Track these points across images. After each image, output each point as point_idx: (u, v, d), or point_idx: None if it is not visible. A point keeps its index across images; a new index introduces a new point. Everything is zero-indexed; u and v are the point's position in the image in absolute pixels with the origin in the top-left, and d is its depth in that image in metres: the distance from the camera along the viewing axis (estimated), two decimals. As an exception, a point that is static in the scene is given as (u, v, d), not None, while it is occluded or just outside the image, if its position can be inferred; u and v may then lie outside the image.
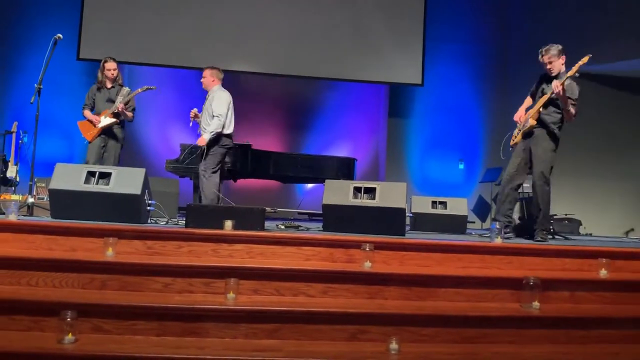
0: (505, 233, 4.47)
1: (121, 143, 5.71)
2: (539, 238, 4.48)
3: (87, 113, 5.64)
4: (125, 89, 5.68)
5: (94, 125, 5.55)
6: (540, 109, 4.58)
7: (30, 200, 4.53)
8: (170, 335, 2.82)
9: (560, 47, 4.57)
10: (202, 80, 5.56)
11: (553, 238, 4.95)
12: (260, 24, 8.98)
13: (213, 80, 5.52)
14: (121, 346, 2.64)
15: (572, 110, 4.50)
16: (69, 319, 2.58)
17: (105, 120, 5.55)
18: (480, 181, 9.28)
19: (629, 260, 3.80)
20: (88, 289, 3.08)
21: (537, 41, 9.27)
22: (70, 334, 2.59)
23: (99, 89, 5.68)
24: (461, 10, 9.79)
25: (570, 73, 4.40)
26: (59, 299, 2.88)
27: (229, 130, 5.45)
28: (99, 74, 5.68)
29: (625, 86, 8.68)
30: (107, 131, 5.59)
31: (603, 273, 3.59)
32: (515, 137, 4.77)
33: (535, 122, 4.59)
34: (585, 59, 4.35)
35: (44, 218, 4.14)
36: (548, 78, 4.66)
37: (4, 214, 3.89)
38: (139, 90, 5.67)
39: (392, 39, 9.31)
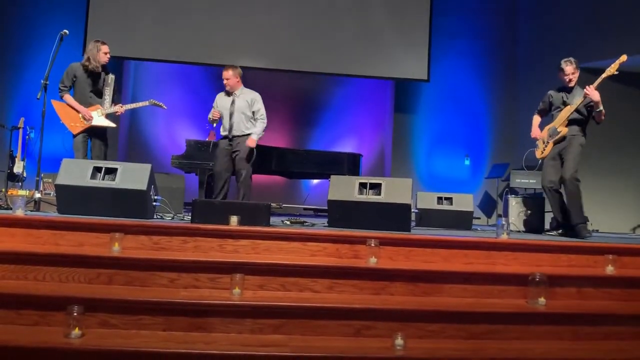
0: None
1: (107, 142, 5.22)
2: (586, 234, 4.67)
3: (71, 99, 5.04)
4: (110, 76, 5.17)
5: (84, 119, 5.02)
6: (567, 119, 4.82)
7: (37, 195, 4.54)
8: (177, 330, 2.84)
9: (576, 60, 4.90)
10: (226, 81, 5.46)
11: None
12: (266, 20, 8.96)
13: (238, 81, 5.51)
14: (128, 341, 2.66)
15: (603, 110, 4.70)
16: (75, 314, 2.59)
17: (100, 120, 5.04)
18: (487, 177, 9.25)
19: (636, 256, 3.78)
20: (94, 284, 3.10)
21: (546, 37, 9.27)
22: (77, 328, 2.60)
23: (87, 74, 5.08)
24: (468, 5, 9.73)
25: (605, 74, 4.63)
26: (65, 293, 2.89)
27: None
28: (91, 57, 5.07)
29: (633, 82, 8.63)
30: (92, 128, 5.07)
31: (610, 269, 3.57)
32: (544, 150, 5.00)
33: (567, 130, 4.83)
34: (622, 58, 4.57)
35: (51, 213, 4.16)
36: (566, 89, 4.92)
37: (11, 209, 3.91)
38: (146, 102, 5.36)
39: (398, 34, 9.27)
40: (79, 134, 5.05)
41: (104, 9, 8.63)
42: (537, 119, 5.22)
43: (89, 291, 2.97)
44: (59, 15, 8.55)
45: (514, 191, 7.75)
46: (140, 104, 5.42)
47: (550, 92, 5.10)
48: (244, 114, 5.42)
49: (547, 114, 5.14)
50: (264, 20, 8.95)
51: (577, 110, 4.82)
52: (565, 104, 4.91)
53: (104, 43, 5.20)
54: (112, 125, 5.17)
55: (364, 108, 10.01)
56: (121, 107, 5.20)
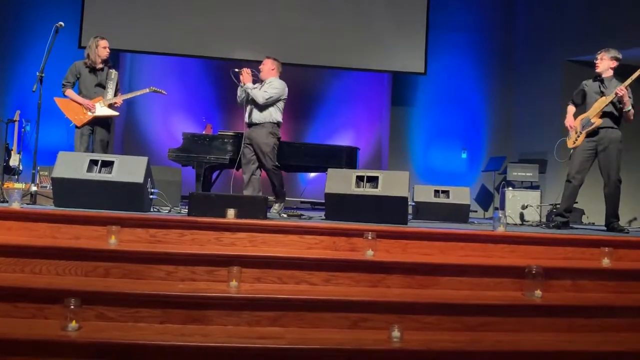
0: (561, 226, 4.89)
1: (110, 134, 5.36)
2: (623, 228, 4.72)
3: (73, 94, 5.16)
4: (113, 72, 5.29)
5: (88, 110, 5.12)
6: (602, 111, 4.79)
7: (34, 188, 4.53)
8: (174, 323, 2.84)
9: (619, 55, 4.87)
10: (260, 67, 5.27)
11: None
12: (263, 12, 8.92)
13: (272, 69, 5.28)
14: (125, 334, 2.66)
15: (632, 109, 4.73)
16: (72, 307, 2.59)
17: (103, 110, 5.17)
18: (483, 170, 9.26)
19: (632, 249, 3.80)
20: (91, 276, 3.10)
21: (543, 30, 9.23)
22: (74, 321, 2.60)
23: (90, 70, 5.20)
24: (465, -2, 9.72)
25: (637, 74, 4.68)
26: (62, 286, 2.89)
27: (278, 118, 5.25)
28: (90, 53, 5.19)
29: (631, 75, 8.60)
30: (95, 121, 5.18)
31: (605, 262, 3.59)
32: (576, 140, 4.92)
33: (600, 121, 4.78)
34: None
35: (47, 206, 4.15)
36: (601, 80, 4.88)
37: (7, 202, 3.90)
38: (146, 90, 5.40)
39: (395, 27, 9.24)
40: (84, 125, 5.14)
41: (99, 0, 8.58)
42: (571, 109, 5.11)
43: (86, 284, 2.97)
44: (54, 8, 8.49)
45: (510, 184, 7.77)
46: (139, 92, 5.45)
47: (585, 81, 5.04)
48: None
49: (582, 103, 5.05)
50: (261, 13, 8.91)
51: (612, 103, 4.77)
52: (602, 93, 4.83)
53: (102, 38, 5.29)
54: (115, 113, 5.28)
55: (361, 101, 9.99)
56: (121, 96, 5.28)
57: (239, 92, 5.32)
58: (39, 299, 2.80)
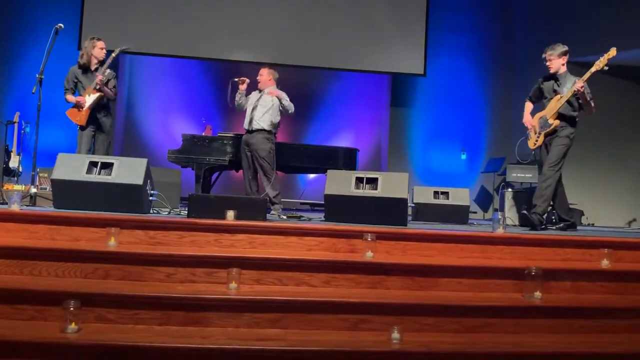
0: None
1: (110, 135, 5.37)
2: (536, 222, 4.57)
3: (71, 97, 5.17)
4: (110, 72, 5.27)
5: (82, 107, 5.11)
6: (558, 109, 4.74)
7: (33, 190, 4.53)
8: (173, 325, 2.83)
9: (565, 48, 4.79)
10: (258, 78, 5.69)
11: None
12: (262, 14, 8.93)
13: (269, 80, 5.66)
14: (124, 335, 2.65)
15: (593, 103, 4.66)
16: (72, 309, 2.58)
17: (91, 98, 5.10)
18: (483, 171, 9.27)
19: (631, 250, 3.79)
20: (91, 278, 3.09)
21: (543, 31, 9.25)
22: (74, 323, 2.60)
23: (84, 72, 5.19)
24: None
25: (594, 68, 4.57)
26: (62, 288, 2.89)
27: (275, 123, 5.61)
28: (86, 54, 5.19)
29: (630, 76, 8.63)
30: (95, 122, 5.20)
31: (605, 263, 3.58)
32: (537, 140, 4.90)
33: (558, 122, 4.74)
34: (612, 53, 4.51)
35: (47, 208, 4.15)
36: (556, 78, 4.82)
37: (6, 204, 3.90)
38: (116, 51, 5.26)
39: (394, 28, 9.25)
40: (86, 127, 5.13)
41: (99, 2, 8.59)
42: (528, 106, 5.09)
43: (86, 286, 2.97)
44: (54, 9, 8.50)
45: (510, 185, 7.77)
46: (110, 59, 5.23)
47: (541, 79, 5.01)
48: (262, 106, 5.52)
49: (539, 101, 5.05)
50: (260, 14, 8.92)
51: (568, 101, 4.73)
52: (555, 92, 4.80)
53: (99, 39, 5.27)
54: (98, 94, 5.09)
55: (360, 102, 10.00)
56: (99, 74, 5.11)
57: (237, 97, 5.63)
58: (39, 301, 2.79)
